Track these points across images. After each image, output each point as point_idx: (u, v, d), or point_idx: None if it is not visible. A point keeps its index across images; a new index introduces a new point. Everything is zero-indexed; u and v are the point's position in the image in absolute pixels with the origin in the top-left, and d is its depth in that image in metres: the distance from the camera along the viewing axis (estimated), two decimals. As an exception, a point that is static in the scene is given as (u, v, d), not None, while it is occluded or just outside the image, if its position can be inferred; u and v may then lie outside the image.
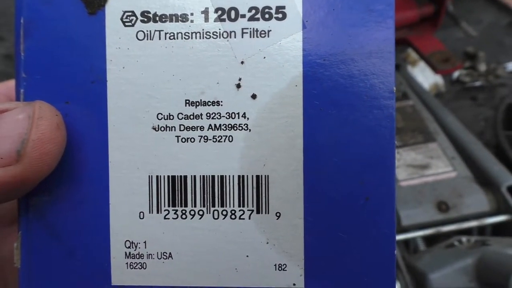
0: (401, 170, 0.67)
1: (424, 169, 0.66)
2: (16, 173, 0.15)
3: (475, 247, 0.53)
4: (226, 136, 0.16)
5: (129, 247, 0.17)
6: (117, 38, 0.17)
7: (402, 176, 0.66)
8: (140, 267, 0.17)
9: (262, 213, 0.17)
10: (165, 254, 0.17)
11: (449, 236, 0.58)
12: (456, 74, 1.19)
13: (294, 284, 0.17)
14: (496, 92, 1.19)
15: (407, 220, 0.60)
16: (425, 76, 1.06)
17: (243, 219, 0.17)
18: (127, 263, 0.17)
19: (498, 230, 0.61)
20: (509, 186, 0.61)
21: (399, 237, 0.58)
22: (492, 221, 0.59)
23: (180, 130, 0.17)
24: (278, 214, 0.16)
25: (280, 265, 0.17)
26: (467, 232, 0.60)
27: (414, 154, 0.68)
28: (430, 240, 0.61)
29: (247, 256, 0.17)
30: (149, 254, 0.17)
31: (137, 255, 0.17)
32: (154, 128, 0.17)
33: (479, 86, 1.19)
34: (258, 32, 0.16)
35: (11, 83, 0.23)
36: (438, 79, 1.11)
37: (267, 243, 0.16)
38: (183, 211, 0.17)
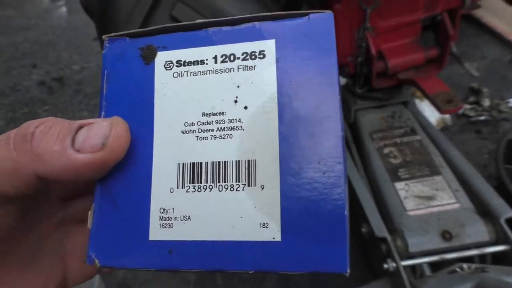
0: (409, 201, 0.71)
1: (430, 200, 0.70)
2: (102, 156, 0.22)
3: (475, 273, 0.55)
4: (228, 134, 0.24)
5: (162, 212, 0.24)
6: (161, 77, 0.25)
7: (410, 206, 0.69)
8: (169, 226, 0.24)
9: (251, 186, 0.23)
10: (185, 217, 0.24)
11: (452, 263, 0.61)
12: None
13: (273, 238, 0.22)
14: (499, 126, 1.22)
15: (414, 247, 0.63)
16: (432, 110, 1.09)
17: (239, 191, 0.23)
18: (160, 224, 0.24)
19: (498, 259, 0.62)
20: (508, 218, 0.63)
21: (407, 262, 0.61)
22: (492, 251, 0.61)
23: (198, 132, 0.24)
24: (262, 187, 0.23)
25: (263, 224, 0.23)
26: (469, 259, 0.62)
27: (421, 186, 0.72)
28: (435, 266, 0.64)
29: (241, 217, 0.23)
30: (175, 217, 0.24)
31: (167, 218, 0.24)
32: (182, 132, 0.25)
33: (483, 120, 1.23)
34: (248, 67, 0.24)
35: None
36: (444, 113, 1.15)
37: (255, 207, 0.23)
38: (199, 187, 0.24)
